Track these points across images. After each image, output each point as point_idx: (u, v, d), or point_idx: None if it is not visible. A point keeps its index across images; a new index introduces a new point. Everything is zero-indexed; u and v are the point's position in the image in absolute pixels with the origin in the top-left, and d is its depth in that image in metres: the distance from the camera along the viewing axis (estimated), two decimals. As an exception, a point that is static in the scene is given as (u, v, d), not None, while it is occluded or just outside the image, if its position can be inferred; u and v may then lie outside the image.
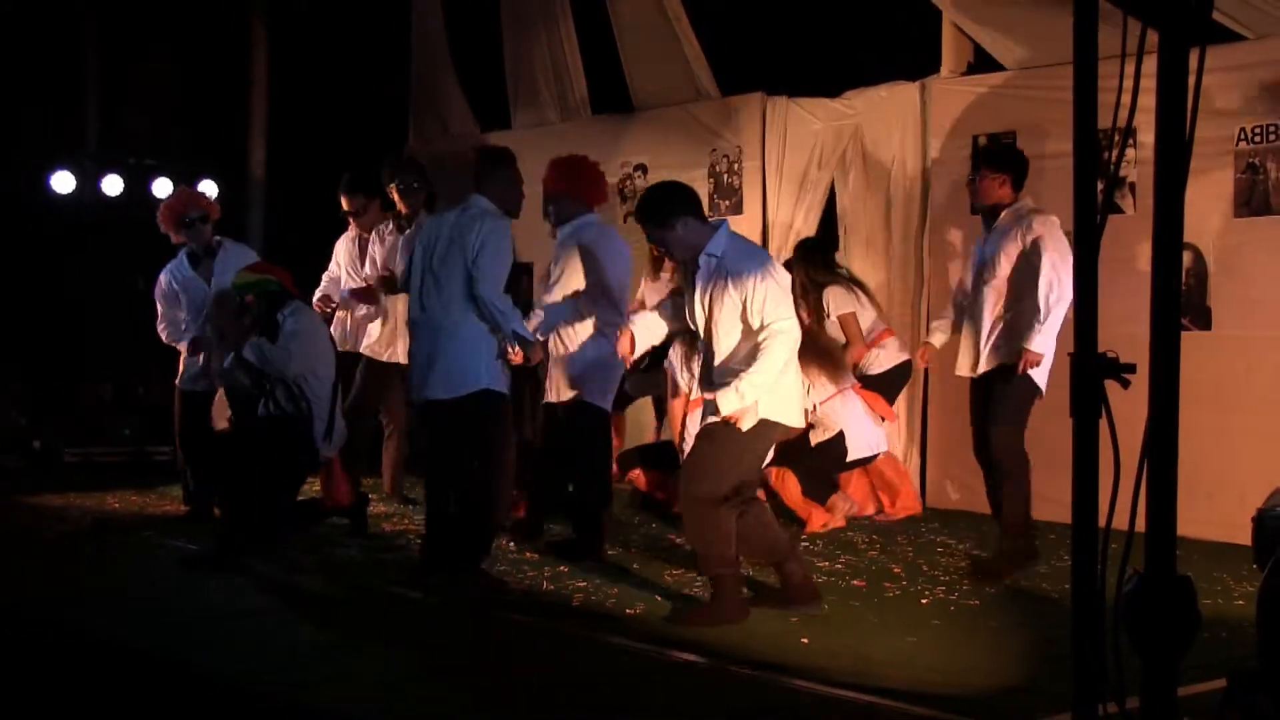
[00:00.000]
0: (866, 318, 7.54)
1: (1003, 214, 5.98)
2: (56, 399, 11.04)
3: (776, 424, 5.12)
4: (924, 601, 5.37)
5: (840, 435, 7.11)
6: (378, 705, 3.90)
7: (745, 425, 4.93)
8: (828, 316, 7.46)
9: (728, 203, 8.82)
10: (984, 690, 4.05)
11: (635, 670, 4.33)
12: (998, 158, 6.18)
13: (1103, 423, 2.73)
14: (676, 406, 6.93)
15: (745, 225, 8.66)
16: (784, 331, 4.96)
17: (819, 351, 7.09)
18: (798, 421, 5.30)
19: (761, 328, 4.93)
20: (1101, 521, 2.69)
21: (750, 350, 4.98)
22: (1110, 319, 3.03)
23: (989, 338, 5.98)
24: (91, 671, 4.60)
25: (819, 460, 7.13)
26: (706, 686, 4.14)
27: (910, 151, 8.07)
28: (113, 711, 4.27)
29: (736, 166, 8.79)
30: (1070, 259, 5.49)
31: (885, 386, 7.46)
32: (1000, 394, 5.90)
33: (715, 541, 5.03)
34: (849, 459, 7.16)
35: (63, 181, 10.35)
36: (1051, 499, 7.04)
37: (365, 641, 4.71)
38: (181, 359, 7.58)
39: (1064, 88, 2.97)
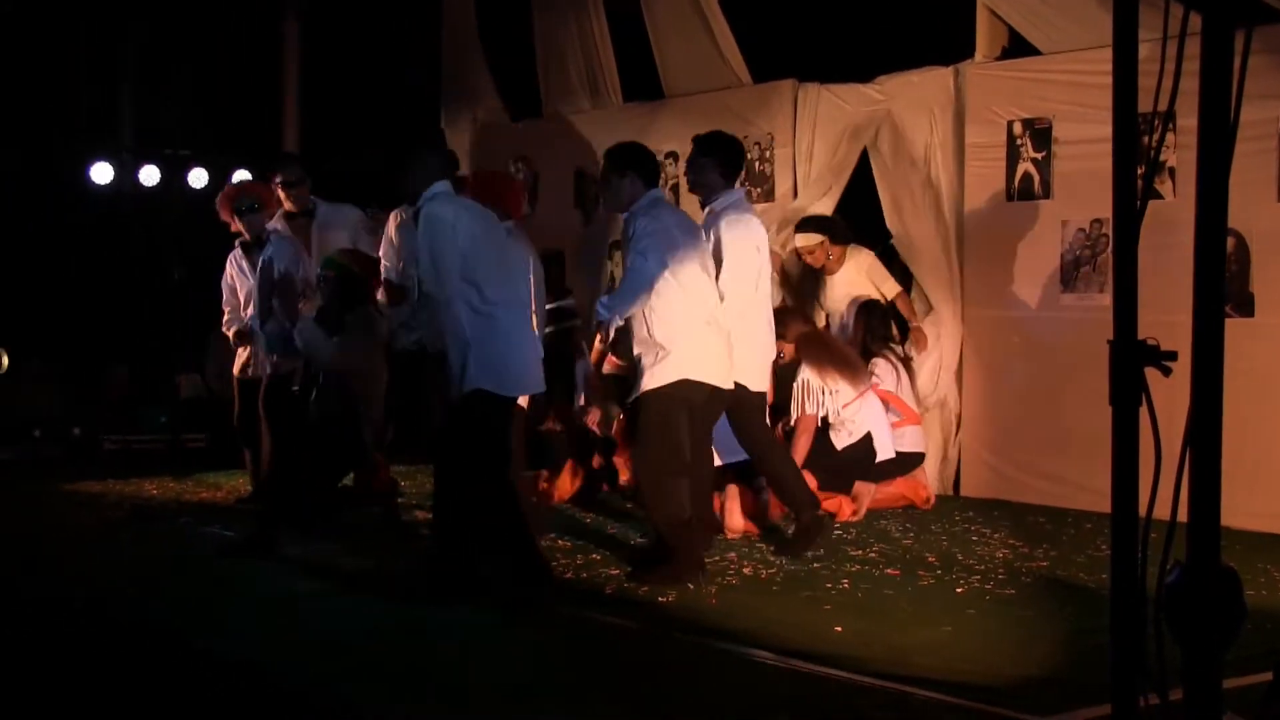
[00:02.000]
0: (905, 396, 7.50)
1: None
2: (94, 387, 11.14)
3: (700, 383, 5.48)
4: (959, 590, 5.33)
5: (868, 437, 7.10)
6: (403, 697, 3.90)
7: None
8: (876, 381, 7.42)
9: (759, 190, 8.78)
10: (1020, 680, 4.02)
11: (668, 658, 4.33)
12: (706, 142, 6.10)
13: (1143, 411, 2.69)
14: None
15: (777, 212, 8.63)
16: (635, 270, 5.39)
17: (837, 357, 7.08)
18: (726, 381, 5.62)
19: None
20: (1142, 511, 2.66)
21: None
22: (1150, 306, 2.99)
23: None
24: (125, 657, 4.63)
25: (844, 462, 7.11)
26: (739, 674, 4.13)
27: (944, 137, 8.01)
28: (144, 697, 4.29)
29: (768, 154, 8.75)
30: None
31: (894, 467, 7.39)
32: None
33: (662, 504, 5.44)
34: (879, 459, 7.14)
35: (101, 172, 10.45)
36: (1090, 488, 7.02)
37: (395, 632, 4.72)
38: (238, 349, 7.65)
39: (1101, 71, 2.93)
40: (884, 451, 7.18)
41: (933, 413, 7.87)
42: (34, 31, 11.18)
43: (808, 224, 7.80)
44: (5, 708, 4.03)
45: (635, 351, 5.66)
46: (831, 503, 7.02)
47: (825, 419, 7.09)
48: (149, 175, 10.51)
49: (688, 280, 5.55)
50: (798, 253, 7.89)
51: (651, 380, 5.53)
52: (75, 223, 11.36)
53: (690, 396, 5.53)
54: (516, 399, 5.57)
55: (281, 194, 7.39)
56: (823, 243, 7.68)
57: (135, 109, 12.13)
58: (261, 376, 7.24)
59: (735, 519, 6.58)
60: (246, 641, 4.61)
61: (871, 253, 7.87)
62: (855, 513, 7.03)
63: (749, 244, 5.93)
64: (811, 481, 7.02)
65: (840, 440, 7.10)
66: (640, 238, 5.52)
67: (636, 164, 5.68)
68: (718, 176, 6.00)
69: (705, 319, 5.58)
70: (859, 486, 7.17)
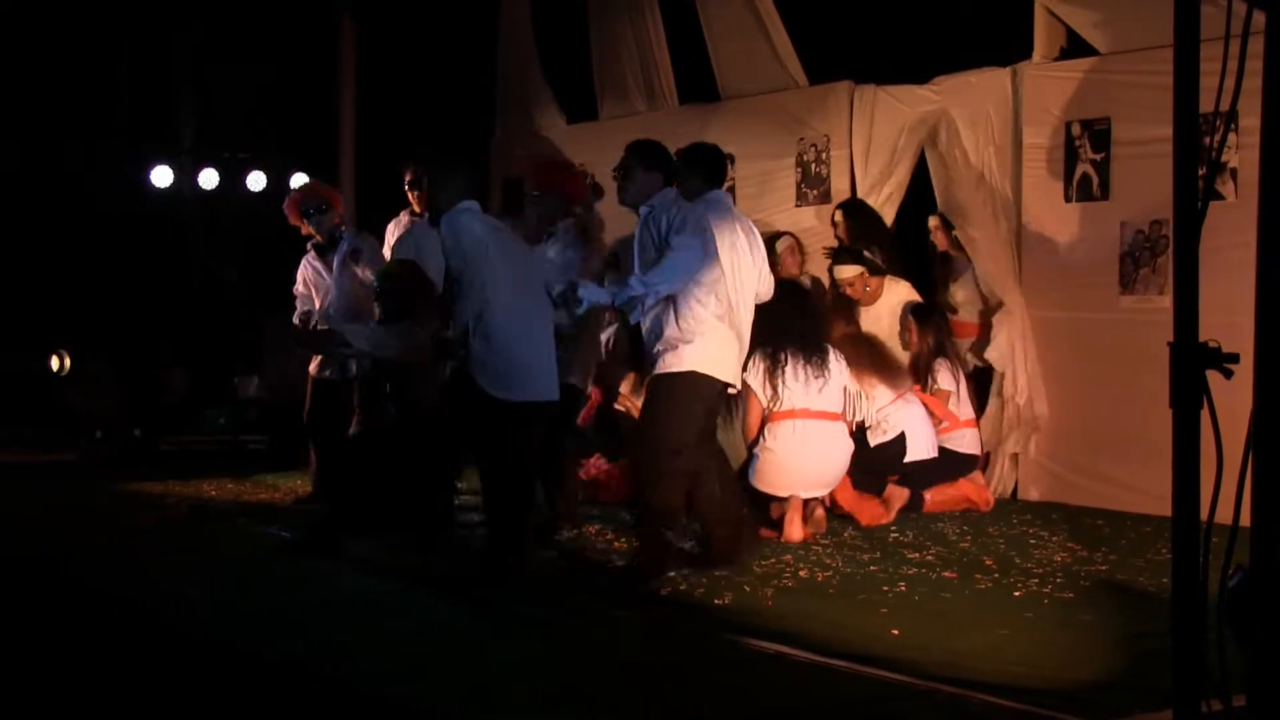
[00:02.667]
0: (963, 411, 7.44)
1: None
2: (154, 389, 11.30)
3: (709, 377, 5.50)
4: (1016, 594, 5.29)
5: (901, 436, 7.06)
6: (460, 699, 3.93)
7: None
8: (934, 384, 7.39)
9: (815, 191, 8.76)
10: (1078, 685, 3.98)
11: (723, 660, 4.33)
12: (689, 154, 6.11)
13: (1204, 414, 2.67)
14: (754, 417, 6.87)
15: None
16: (685, 248, 5.39)
17: (877, 360, 7.05)
18: (736, 380, 5.73)
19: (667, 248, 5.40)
20: (1203, 515, 2.63)
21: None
22: (1211, 308, 2.96)
23: None
24: (182, 658, 4.69)
25: (876, 460, 7.08)
26: (795, 677, 4.12)
27: (1002, 139, 7.95)
28: (203, 696, 4.35)
29: (824, 155, 8.73)
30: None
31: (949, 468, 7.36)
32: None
33: (655, 488, 5.47)
34: (906, 459, 7.09)
35: (161, 176, 10.58)
36: (1150, 491, 6.94)
37: (453, 635, 4.75)
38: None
39: (1161, 71, 2.91)
40: (920, 452, 7.12)
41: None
42: (91, 35, 11.36)
43: (846, 256, 7.75)
44: (65, 705, 4.09)
45: (654, 342, 5.62)
46: (863, 503, 7.02)
47: (862, 423, 7.07)
48: (208, 178, 10.65)
49: (709, 277, 5.60)
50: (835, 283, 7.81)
51: (666, 366, 5.55)
52: (135, 225, 11.53)
53: (701, 389, 5.58)
54: (527, 402, 5.46)
55: (410, 196, 7.52)
56: (861, 274, 7.64)
57: (195, 113, 12.31)
58: (336, 379, 7.35)
59: (795, 529, 6.55)
60: (303, 641, 4.65)
61: (909, 284, 7.81)
62: (876, 519, 6.96)
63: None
64: (847, 483, 7.02)
65: (874, 438, 7.08)
66: (681, 226, 5.52)
67: (661, 162, 5.73)
68: (702, 184, 5.98)
69: (720, 315, 5.61)
70: (891, 490, 7.13)
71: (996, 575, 5.65)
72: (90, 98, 11.43)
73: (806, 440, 6.58)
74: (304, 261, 7.81)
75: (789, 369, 6.57)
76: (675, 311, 5.54)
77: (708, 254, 5.53)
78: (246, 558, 6.16)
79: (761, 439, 6.63)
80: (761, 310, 6.05)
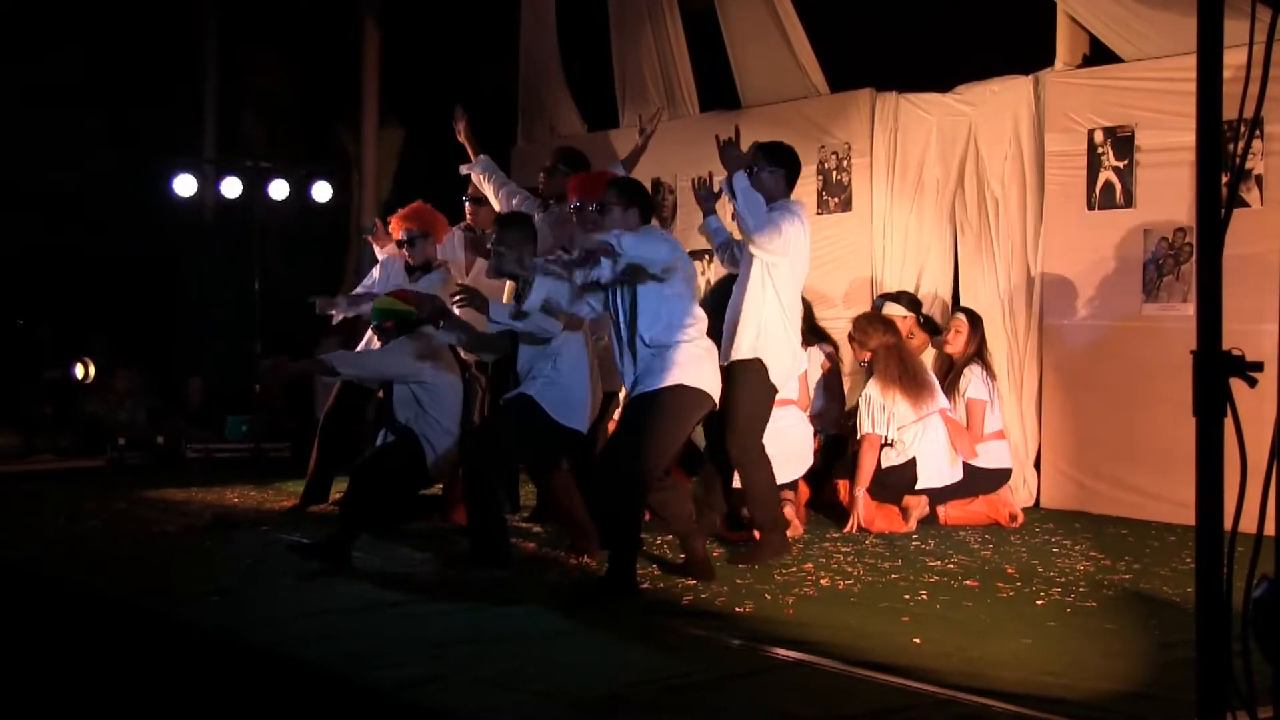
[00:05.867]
0: (993, 422, 7.40)
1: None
2: (177, 397, 11.36)
3: (702, 391, 5.51)
4: (1039, 603, 5.27)
5: (912, 462, 7.03)
6: (487, 704, 3.93)
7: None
8: (960, 393, 7.36)
9: (836, 200, 8.75)
10: (1102, 695, 3.96)
11: (744, 668, 4.32)
12: (770, 151, 6.25)
13: (1228, 422, 2.65)
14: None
15: (854, 222, 8.61)
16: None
17: (907, 376, 7.00)
18: (715, 393, 5.67)
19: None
20: (1227, 524, 2.62)
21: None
22: (1235, 316, 2.95)
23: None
24: (206, 664, 4.71)
25: (888, 478, 7.08)
26: (816, 685, 4.11)
27: (1024, 146, 7.94)
28: (225, 704, 4.36)
29: (845, 163, 8.73)
30: (789, 264, 5.88)
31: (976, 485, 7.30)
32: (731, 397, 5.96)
33: (630, 515, 5.41)
34: (917, 486, 7.06)
35: (184, 185, 10.63)
36: (1173, 500, 6.92)
37: (478, 639, 4.75)
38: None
39: (1185, 78, 2.90)
40: (933, 479, 7.07)
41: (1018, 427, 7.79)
42: (115, 44, 11.45)
43: (901, 298, 7.75)
44: (91, 710, 4.12)
45: (662, 344, 5.59)
46: (882, 513, 7.01)
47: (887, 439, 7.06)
48: (231, 187, 10.69)
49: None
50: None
51: (679, 377, 5.50)
52: (159, 234, 11.59)
53: (704, 404, 5.62)
54: (564, 426, 5.92)
55: (467, 208, 7.61)
56: (908, 319, 7.61)
57: (217, 122, 12.38)
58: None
59: (792, 525, 6.62)
60: (327, 647, 4.66)
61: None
62: (888, 529, 6.94)
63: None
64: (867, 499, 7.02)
65: (887, 458, 7.06)
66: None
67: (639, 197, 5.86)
68: (784, 186, 6.19)
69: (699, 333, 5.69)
70: (909, 499, 7.10)
71: (1019, 584, 5.62)
72: (115, 107, 11.50)
73: None
74: (383, 266, 7.86)
75: None
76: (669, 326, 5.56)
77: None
78: (269, 564, 6.18)
79: None
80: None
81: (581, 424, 5.93)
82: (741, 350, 6.01)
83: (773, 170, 6.15)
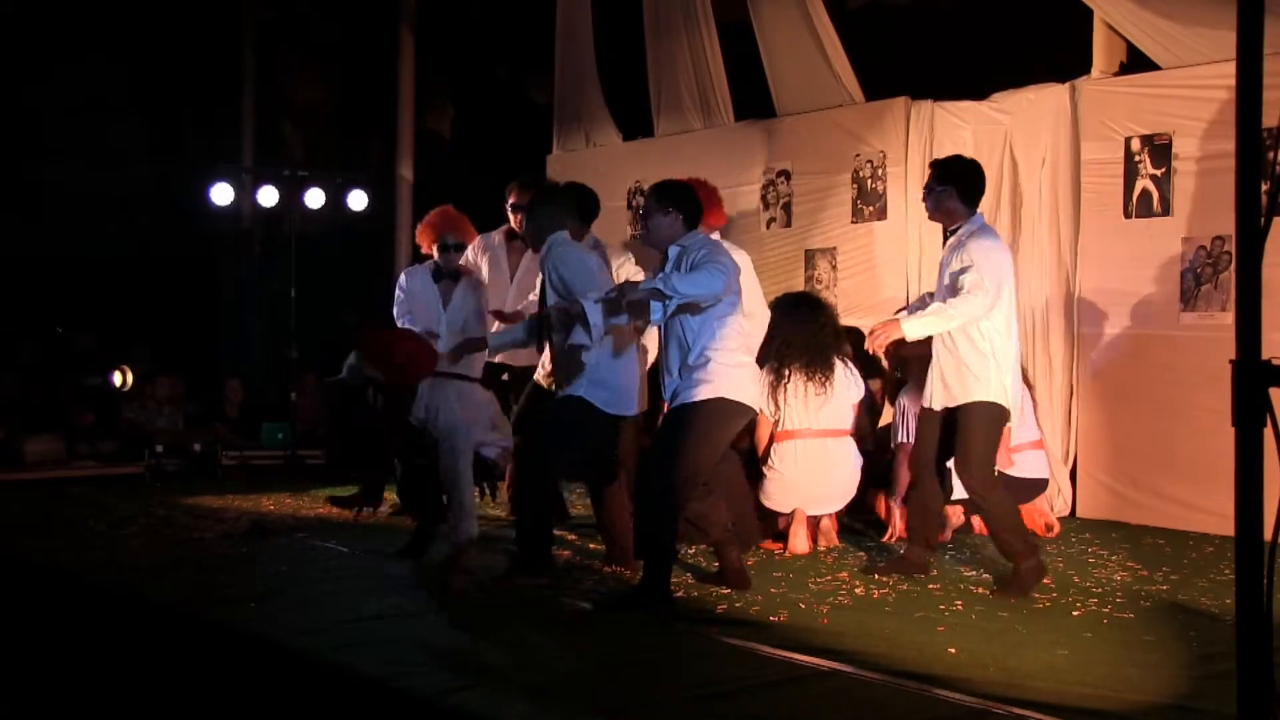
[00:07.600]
0: (1028, 432, 7.24)
1: (952, 235, 5.76)
2: (214, 405, 11.45)
3: (741, 405, 5.44)
4: (1075, 614, 5.24)
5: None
6: (523, 710, 3.94)
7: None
8: None
9: (872, 208, 8.74)
10: (1140, 706, 3.94)
11: (779, 677, 4.31)
12: (943, 168, 5.84)
13: (1267, 432, 2.64)
14: (762, 431, 6.89)
15: (890, 231, 8.59)
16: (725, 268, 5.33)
17: None
18: (756, 406, 5.64)
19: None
20: (1267, 535, 2.60)
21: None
22: (1275, 325, 2.93)
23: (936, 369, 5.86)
24: (247, 668, 4.74)
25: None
26: (851, 695, 4.11)
27: (1061, 155, 7.91)
28: (259, 709, 4.39)
29: (880, 172, 8.71)
30: (997, 283, 5.51)
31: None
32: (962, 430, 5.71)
33: (664, 526, 5.35)
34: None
35: (222, 194, 10.71)
36: (1212, 511, 6.87)
37: (514, 646, 4.77)
38: None
39: (1223, 86, 2.89)
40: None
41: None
42: (156, 56, 11.57)
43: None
44: (133, 713, 4.15)
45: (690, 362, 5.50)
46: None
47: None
48: (267, 196, 10.76)
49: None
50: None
51: (719, 390, 5.42)
52: (196, 243, 11.70)
53: (743, 416, 5.57)
54: (618, 416, 5.89)
55: (512, 217, 7.55)
56: None
57: (254, 131, 12.49)
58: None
59: (799, 541, 6.64)
60: (362, 652, 4.68)
61: None
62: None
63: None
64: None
65: None
66: (713, 256, 5.45)
67: (687, 206, 5.57)
68: (958, 203, 5.76)
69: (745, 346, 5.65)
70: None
71: (1055, 594, 5.60)
72: (153, 119, 11.62)
73: (810, 461, 6.68)
74: (412, 270, 7.80)
75: (790, 385, 6.62)
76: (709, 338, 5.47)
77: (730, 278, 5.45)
78: (306, 571, 6.22)
79: (769, 459, 6.73)
80: (774, 321, 6.37)
81: (632, 409, 5.90)
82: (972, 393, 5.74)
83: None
